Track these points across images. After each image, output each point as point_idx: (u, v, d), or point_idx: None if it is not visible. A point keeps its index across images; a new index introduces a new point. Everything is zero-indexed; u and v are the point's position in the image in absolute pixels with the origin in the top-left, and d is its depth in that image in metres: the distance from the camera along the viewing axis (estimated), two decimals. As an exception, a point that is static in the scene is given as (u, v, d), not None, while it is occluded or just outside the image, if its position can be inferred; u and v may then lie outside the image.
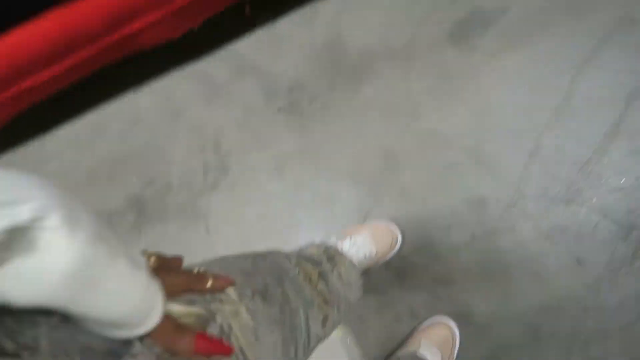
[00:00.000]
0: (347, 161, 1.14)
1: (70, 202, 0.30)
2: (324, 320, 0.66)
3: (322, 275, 0.72)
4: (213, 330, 0.42)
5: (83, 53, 1.00)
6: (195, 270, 0.45)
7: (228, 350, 0.41)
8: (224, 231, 1.21)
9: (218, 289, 0.46)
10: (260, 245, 1.18)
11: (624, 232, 0.96)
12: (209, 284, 0.45)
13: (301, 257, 0.74)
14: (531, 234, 1.00)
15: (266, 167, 1.19)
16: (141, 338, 0.37)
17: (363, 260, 0.98)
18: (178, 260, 0.47)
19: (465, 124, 1.06)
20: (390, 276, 1.08)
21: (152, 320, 0.37)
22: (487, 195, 1.03)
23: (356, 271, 0.92)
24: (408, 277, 1.07)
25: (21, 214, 0.27)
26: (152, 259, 0.43)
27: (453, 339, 1.01)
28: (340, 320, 0.79)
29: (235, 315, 0.45)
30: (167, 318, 0.39)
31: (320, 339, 0.65)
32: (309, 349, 0.60)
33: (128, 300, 0.35)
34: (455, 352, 1.01)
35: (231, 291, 0.47)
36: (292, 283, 0.60)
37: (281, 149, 1.19)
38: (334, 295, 0.74)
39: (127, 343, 0.36)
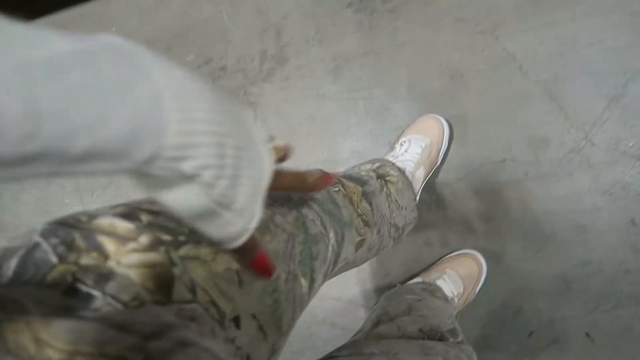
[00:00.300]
0: (408, 73, 1.07)
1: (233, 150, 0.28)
2: (359, 244, 0.63)
3: (365, 195, 0.68)
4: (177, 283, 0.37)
5: None
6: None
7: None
8: (271, 123, 1.19)
9: (320, 189, 0.43)
10: (303, 145, 1.16)
11: (694, 204, 0.88)
12: (311, 181, 0.41)
13: (345, 176, 0.70)
14: (589, 185, 0.93)
15: (324, 65, 1.14)
16: (103, 290, 0.32)
17: (422, 153, 0.95)
18: (288, 149, 0.42)
19: (548, 54, 0.96)
20: (430, 200, 1.04)
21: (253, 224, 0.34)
22: (551, 136, 0.95)
23: (410, 192, 0.89)
24: (448, 204, 1.03)
25: (185, 168, 0.26)
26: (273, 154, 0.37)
27: (479, 275, 0.98)
28: (382, 246, 0.76)
29: (210, 260, 0.40)
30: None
31: (348, 264, 0.61)
32: (330, 275, 0.56)
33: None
34: (478, 288, 0.99)
35: None
36: (322, 204, 0.55)
37: (342, 49, 1.13)
38: (378, 217, 0.70)
39: (87, 299, 0.32)
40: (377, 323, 0.74)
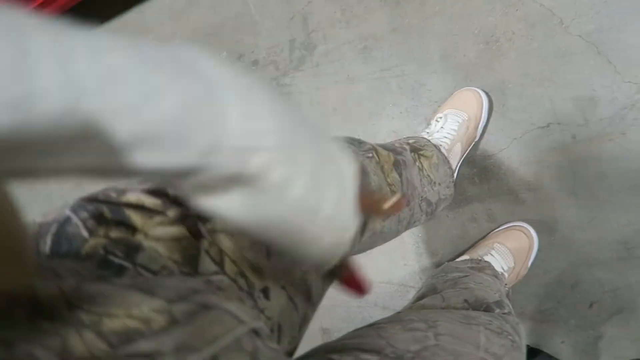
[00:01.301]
0: (440, 45, 1.03)
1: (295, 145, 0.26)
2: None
3: (397, 164, 0.66)
4: (203, 256, 0.37)
5: None
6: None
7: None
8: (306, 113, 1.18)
9: (394, 212, 0.40)
10: (339, 129, 1.15)
11: None
12: (386, 205, 0.37)
13: (379, 145, 0.68)
14: (647, 143, 0.86)
15: (353, 47, 1.12)
16: (134, 261, 0.32)
17: (459, 129, 0.92)
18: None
19: (590, 3, 0.89)
20: (472, 174, 1.00)
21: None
22: (600, 93, 0.88)
23: (446, 166, 0.86)
24: (491, 177, 0.99)
25: (249, 165, 0.23)
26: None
27: (530, 248, 0.94)
28: (412, 220, 0.73)
29: (237, 233, 0.39)
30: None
31: (376, 234, 0.59)
32: (357, 245, 0.53)
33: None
34: (530, 262, 0.95)
35: None
36: None
37: (370, 28, 1.10)
38: (408, 189, 0.68)
39: (120, 269, 0.32)
40: (421, 297, 0.72)
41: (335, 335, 1.22)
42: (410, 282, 1.11)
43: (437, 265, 1.03)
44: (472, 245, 1.00)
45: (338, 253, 0.31)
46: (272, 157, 0.24)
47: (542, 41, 0.93)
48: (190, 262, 0.34)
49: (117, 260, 0.31)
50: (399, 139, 0.86)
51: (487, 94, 0.96)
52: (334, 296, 1.19)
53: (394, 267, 1.12)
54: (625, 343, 0.91)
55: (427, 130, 0.93)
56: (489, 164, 0.99)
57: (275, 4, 1.22)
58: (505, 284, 0.86)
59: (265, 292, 0.37)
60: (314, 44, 1.17)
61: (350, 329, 1.19)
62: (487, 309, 0.66)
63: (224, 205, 0.25)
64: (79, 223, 0.32)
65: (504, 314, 0.66)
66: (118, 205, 0.34)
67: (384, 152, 0.66)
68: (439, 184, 0.81)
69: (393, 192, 0.63)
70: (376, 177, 0.60)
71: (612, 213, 0.89)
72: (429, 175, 0.78)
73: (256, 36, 1.25)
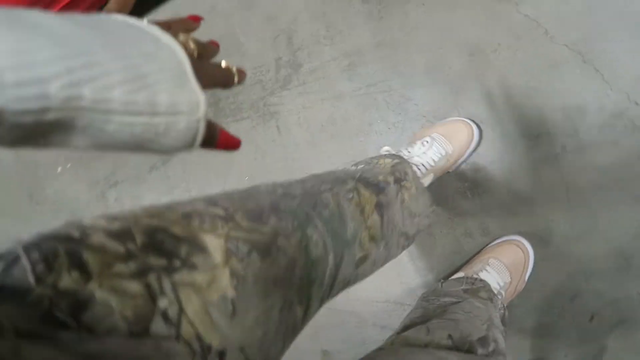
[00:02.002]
0: (426, 57, 1.02)
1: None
2: (361, 261, 0.59)
3: (379, 206, 0.65)
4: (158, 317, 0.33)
5: None
6: (223, 64, 0.38)
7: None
8: (295, 133, 1.17)
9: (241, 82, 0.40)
10: (327, 150, 1.13)
11: None
12: (236, 79, 0.38)
13: (363, 179, 0.66)
14: (638, 149, 0.84)
15: (338, 64, 1.11)
16: (79, 320, 0.30)
17: (438, 162, 0.90)
18: (215, 46, 0.39)
19: (575, 13, 0.88)
20: (463, 188, 0.99)
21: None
22: (588, 102, 0.87)
23: (425, 197, 0.84)
24: (483, 190, 0.97)
25: (50, 96, 0.25)
26: (192, 44, 0.35)
27: (526, 261, 0.92)
28: (388, 258, 0.73)
29: (205, 287, 0.36)
30: None
31: (348, 283, 0.58)
32: (327, 299, 0.52)
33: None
34: (527, 275, 0.93)
35: (217, 250, 0.38)
36: (328, 221, 0.52)
37: (355, 44, 1.09)
38: (388, 229, 0.67)
39: (63, 326, 0.30)
40: (408, 326, 0.70)
41: (336, 356, 1.20)
42: (407, 300, 1.09)
43: (436, 279, 1.02)
44: (468, 261, 0.98)
45: (199, 129, 0.31)
46: (70, 81, 0.24)
47: (528, 52, 0.92)
48: (142, 322, 0.31)
49: (61, 316, 0.29)
50: (384, 157, 0.84)
51: (480, 130, 0.95)
52: (332, 318, 1.17)
53: (391, 286, 1.10)
54: (629, 356, 0.89)
55: (409, 149, 0.91)
56: (480, 177, 0.97)
57: (259, 23, 1.22)
58: (501, 307, 0.84)
59: (222, 356, 0.36)
60: (300, 63, 1.16)
61: (350, 351, 1.17)
62: (470, 349, 0.64)
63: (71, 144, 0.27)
64: (28, 266, 0.30)
65: (487, 355, 0.64)
66: (79, 245, 0.32)
67: (366, 193, 0.64)
68: (418, 216, 0.79)
69: (372, 237, 0.61)
70: (353, 222, 0.58)
71: (607, 223, 0.87)
72: (409, 207, 0.76)
73: (242, 56, 1.25)
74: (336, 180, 0.62)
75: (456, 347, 0.63)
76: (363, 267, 0.60)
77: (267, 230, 0.43)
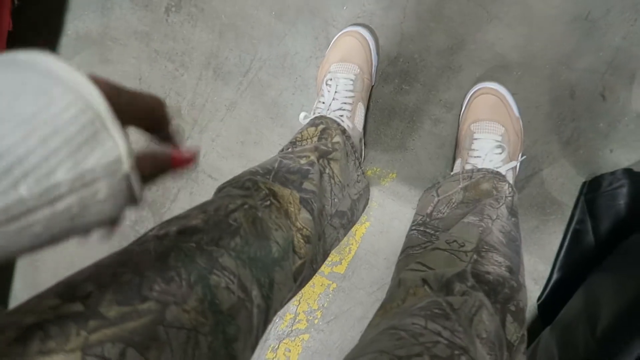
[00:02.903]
0: (268, 9, 0.90)
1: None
2: (298, 271, 0.52)
3: (305, 202, 0.56)
4: None
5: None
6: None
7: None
8: (222, 166, 1.06)
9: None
10: (259, 154, 1.02)
11: None
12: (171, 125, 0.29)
13: (279, 177, 0.57)
14: None
15: (206, 80, 1.00)
16: None
17: (354, 89, 0.79)
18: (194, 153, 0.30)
19: None
20: (397, 86, 0.87)
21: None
22: None
23: (351, 158, 0.75)
24: (414, 71, 0.86)
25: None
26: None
27: (502, 100, 0.80)
28: (331, 247, 0.66)
29: None
30: None
31: (286, 300, 0.52)
32: (262, 335, 0.46)
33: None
34: (515, 110, 0.81)
35: None
36: (241, 250, 0.44)
37: (203, 51, 0.98)
38: (322, 220, 0.61)
39: None
40: (388, 299, 0.61)
41: None
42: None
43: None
44: (456, 145, 0.86)
45: (132, 184, 0.23)
46: None
47: None
48: None
49: None
50: (309, 127, 0.73)
51: (369, 29, 0.84)
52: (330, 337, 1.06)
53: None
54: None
55: (322, 100, 0.80)
56: (402, 63, 0.86)
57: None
58: (509, 193, 0.71)
59: None
60: (194, 119, 1.05)
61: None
62: (447, 286, 0.53)
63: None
64: None
65: (464, 292, 0.51)
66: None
67: (285, 193, 0.54)
68: (348, 186, 0.70)
69: (306, 238, 0.52)
70: (279, 232, 0.49)
71: (541, 9, 0.75)
72: (340, 182, 0.67)
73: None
74: (247, 189, 0.51)
75: (434, 290, 0.54)
76: (303, 275, 0.52)
77: (146, 308, 0.32)
